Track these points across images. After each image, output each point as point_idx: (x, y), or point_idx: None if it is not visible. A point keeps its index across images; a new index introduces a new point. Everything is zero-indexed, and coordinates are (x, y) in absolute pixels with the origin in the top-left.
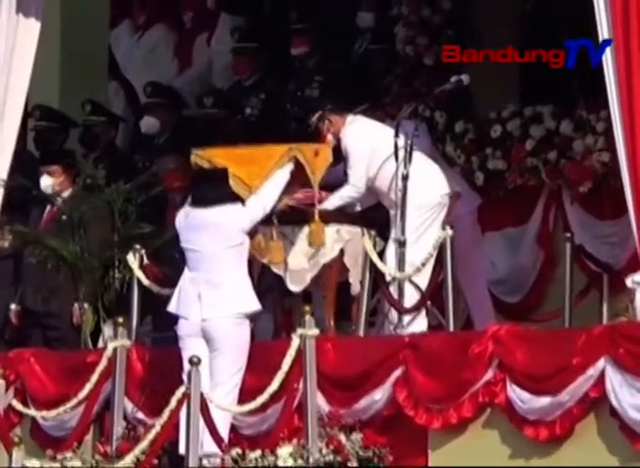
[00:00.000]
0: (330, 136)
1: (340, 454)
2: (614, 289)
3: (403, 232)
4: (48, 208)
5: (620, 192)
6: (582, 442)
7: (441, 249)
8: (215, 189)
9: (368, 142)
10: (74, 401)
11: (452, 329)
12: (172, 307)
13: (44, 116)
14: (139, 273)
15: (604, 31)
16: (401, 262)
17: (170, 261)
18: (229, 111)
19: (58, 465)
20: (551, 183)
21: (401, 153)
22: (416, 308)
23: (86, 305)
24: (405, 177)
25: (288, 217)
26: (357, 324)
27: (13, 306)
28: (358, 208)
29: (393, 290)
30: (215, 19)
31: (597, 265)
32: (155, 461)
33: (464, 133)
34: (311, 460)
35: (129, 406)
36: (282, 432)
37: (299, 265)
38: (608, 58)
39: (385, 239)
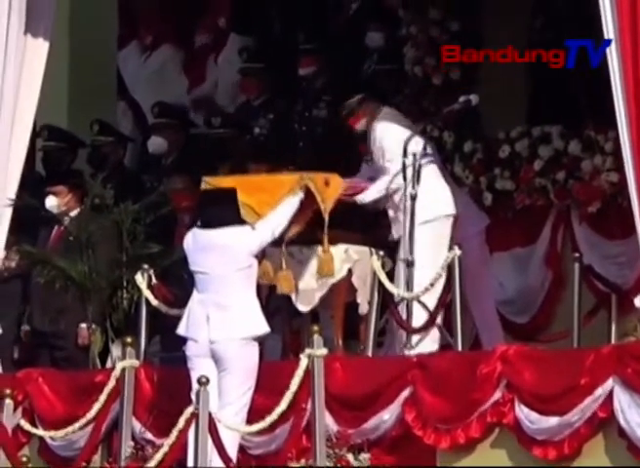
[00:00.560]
0: (363, 121)
1: None
2: (622, 309)
3: (411, 252)
4: (56, 228)
5: (629, 212)
6: (591, 462)
7: (449, 269)
8: (222, 210)
9: (402, 137)
10: (82, 421)
11: (460, 349)
12: (181, 330)
13: (52, 136)
14: (147, 293)
15: (610, 33)
16: (409, 282)
17: (178, 281)
18: (238, 131)
19: None
20: (560, 203)
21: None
22: (424, 328)
23: (94, 325)
24: (413, 198)
25: (296, 238)
26: (365, 344)
27: (22, 327)
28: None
29: (401, 310)
30: (225, 39)
31: (605, 285)
32: None
33: (473, 153)
34: None
35: (137, 426)
36: (290, 452)
37: (307, 285)
38: (616, 77)
39: (394, 259)
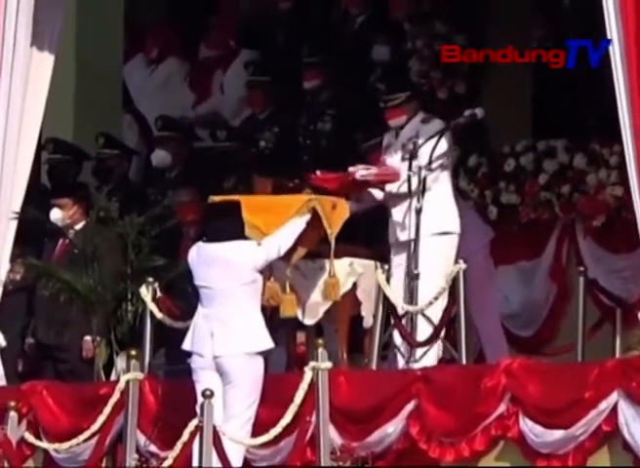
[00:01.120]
0: (403, 118)
1: None
2: (627, 322)
3: (416, 266)
4: (61, 240)
5: (634, 226)
6: None
7: (454, 282)
8: (227, 224)
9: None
10: (87, 433)
11: (464, 362)
12: (186, 345)
13: (57, 149)
14: (152, 306)
15: (613, 37)
16: (414, 296)
17: (183, 294)
18: (243, 144)
19: None
20: (564, 217)
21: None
22: (428, 342)
23: (99, 338)
24: (418, 211)
25: None
26: (370, 357)
27: (27, 340)
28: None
29: (406, 323)
30: (231, 53)
31: (610, 299)
32: None
33: (478, 167)
34: None
35: (141, 438)
36: (295, 465)
37: (312, 299)
38: (621, 90)
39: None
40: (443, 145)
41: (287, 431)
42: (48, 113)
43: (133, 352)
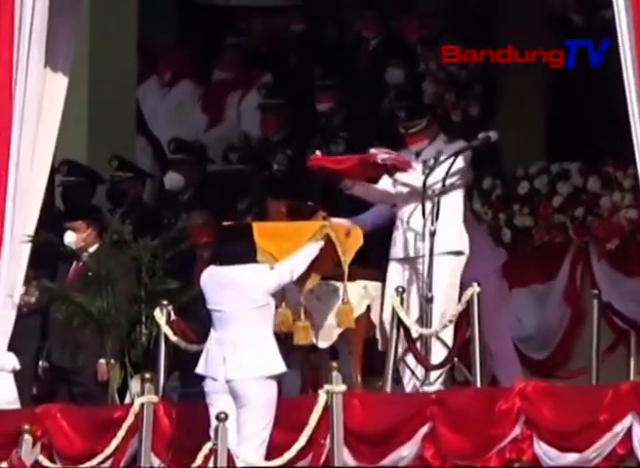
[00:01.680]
0: (425, 142)
1: None
2: None
3: (430, 289)
4: (74, 263)
5: None
6: None
7: (468, 305)
8: (239, 247)
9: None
10: (101, 456)
11: (479, 385)
12: (200, 369)
13: (71, 171)
14: (166, 329)
15: (624, 36)
16: (428, 319)
17: (197, 317)
18: (256, 167)
19: None
20: (578, 240)
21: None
22: (442, 365)
23: (113, 361)
24: (432, 234)
25: None
26: (384, 380)
27: (41, 362)
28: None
29: (420, 346)
30: (244, 77)
31: (624, 322)
32: None
33: (492, 189)
34: None
35: (156, 462)
36: None
37: (326, 322)
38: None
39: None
40: (459, 164)
41: (301, 454)
42: (62, 136)
43: (147, 375)
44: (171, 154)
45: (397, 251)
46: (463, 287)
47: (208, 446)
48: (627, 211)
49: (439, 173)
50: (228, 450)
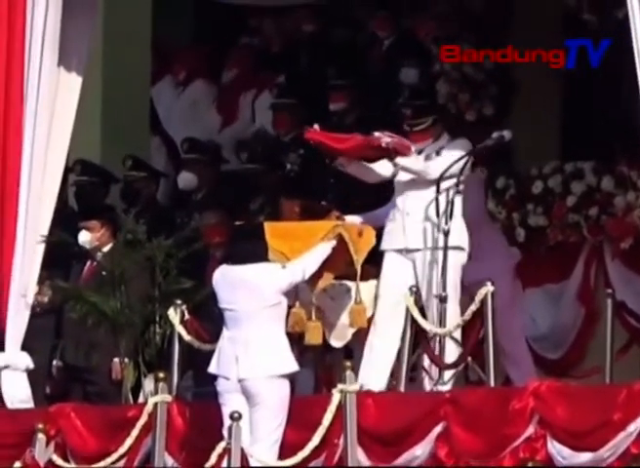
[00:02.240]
0: (429, 141)
1: None
2: None
3: (444, 288)
4: (88, 263)
5: None
6: None
7: (482, 304)
8: (251, 246)
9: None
10: (115, 456)
11: (492, 384)
12: (212, 368)
13: (85, 171)
14: (180, 328)
15: (638, 35)
16: (442, 318)
17: (211, 316)
18: (269, 167)
19: None
20: (592, 239)
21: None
22: (456, 364)
23: (127, 360)
24: (446, 233)
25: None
26: (398, 379)
27: (55, 362)
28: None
29: (434, 345)
30: (257, 78)
31: (638, 321)
32: None
33: (506, 189)
34: None
35: (169, 461)
36: None
37: (340, 321)
38: None
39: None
40: (460, 163)
41: (315, 454)
42: (75, 135)
43: (161, 374)
44: (184, 154)
45: (395, 241)
46: (477, 286)
47: (222, 445)
48: None
49: (441, 162)
50: (242, 450)
